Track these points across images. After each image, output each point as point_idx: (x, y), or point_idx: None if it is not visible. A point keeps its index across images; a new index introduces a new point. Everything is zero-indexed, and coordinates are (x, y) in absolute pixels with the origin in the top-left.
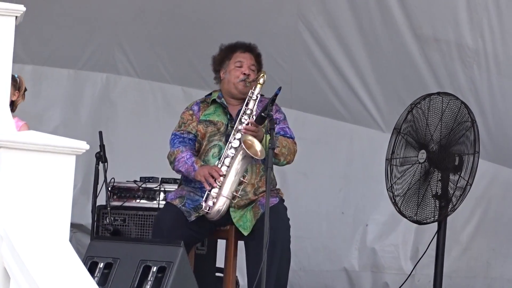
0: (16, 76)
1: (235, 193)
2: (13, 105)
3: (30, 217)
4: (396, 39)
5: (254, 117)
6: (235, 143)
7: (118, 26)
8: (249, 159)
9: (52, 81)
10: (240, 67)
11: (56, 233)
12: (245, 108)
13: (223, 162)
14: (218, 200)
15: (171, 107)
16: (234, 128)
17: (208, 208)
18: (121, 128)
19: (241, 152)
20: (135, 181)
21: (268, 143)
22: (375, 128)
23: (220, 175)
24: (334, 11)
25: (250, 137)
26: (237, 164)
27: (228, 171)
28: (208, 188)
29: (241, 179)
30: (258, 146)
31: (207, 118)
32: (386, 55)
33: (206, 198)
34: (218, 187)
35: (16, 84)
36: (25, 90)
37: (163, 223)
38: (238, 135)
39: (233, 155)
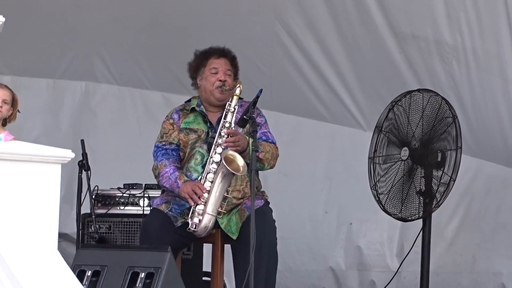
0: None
1: (220, 209)
2: (5, 121)
3: (18, 227)
4: (374, 38)
5: (236, 122)
6: (216, 158)
7: (96, 34)
8: (231, 175)
9: (31, 91)
10: (216, 73)
11: (44, 242)
12: (224, 121)
13: (205, 178)
14: (204, 218)
15: (152, 113)
16: (214, 142)
17: (194, 226)
18: (102, 136)
19: (222, 170)
20: (119, 188)
21: (252, 145)
22: (356, 127)
23: (204, 192)
24: (312, 13)
25: (231, 152)
26: (219, 180)
27: (211, 187)
28: (192, 204)
29: (225, 194)
30: (240, 161)
31: (188, 126)
32: (365, 54)
33: (192, 215)
34: (202, 203)
35: (13, 101)
36: (18, 110)
37: (151, 228)
38: (219, 149)
39: (215, 170)
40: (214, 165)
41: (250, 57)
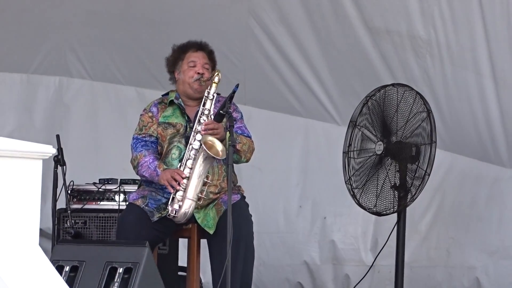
0: None
1: (200, 195)
2: None
3: None
4: (348, 32)
5: (212, 116)
6: (196, 145)
7: (69, 29)
8: (211, 159)
9: (4, 86)
10: (194, 66)
11: (25, 238)
12: (203, 109)
13: (185, 165)
14: (184, 203)
15: (125, 108)
16: (193, 129)
17: (174, 211)
18: (76, 131)
19: (202, 154)
20: (94, 183)
21: (229, 140)
22: (330, 121)
23: (183, 178)
24: (286, 7)
25: (210, 138)
26: (199, 166)
27: (191, 173)
28: (172, 191)
29: (205, 180)
30: (219, 146)
31: (166, 121)
32: (339, 49)
33: (172, 201)
34: (182, 190)
35: None
36: None
37: (127, 224)
38: (198, 136)
39: (194, 156)
40: (194, 152)
41: (223, 51)
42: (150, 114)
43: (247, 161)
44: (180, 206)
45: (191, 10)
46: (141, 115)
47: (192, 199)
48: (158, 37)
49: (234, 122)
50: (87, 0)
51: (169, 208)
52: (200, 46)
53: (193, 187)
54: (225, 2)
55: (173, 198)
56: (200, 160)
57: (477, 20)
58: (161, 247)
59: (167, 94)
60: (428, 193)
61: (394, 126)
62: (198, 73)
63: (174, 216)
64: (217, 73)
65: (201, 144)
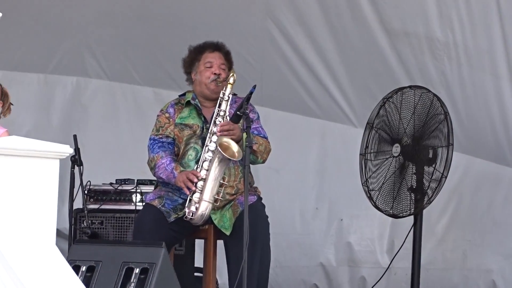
0: (2, 85)
1: (216, 196)
2: None
3: (16, 222)
4: (366, 34)
5: (228, 117)
6: (212, 146)
7: (87, 29)
8: (227, 161)
9: (22, 86)
10: (210, 67)
11: (43, 237)
12: (218, 110)
13: (201, 166)
14: (201, 205)
15: (142, 109)
16: (209, 130)
17: (191, 214)
18: (93, 131)
19: (218, 155)
20: (111, 184)
21: (245, 141)
22: (347, 123)
23: (199, 179)
24: (303, 8)
25: (226, 139)
26: (215, 167)
27: (207, 175)
28: (188, 193)
29: (221, 181)
30: (234, 147)
31: (182, 122)
32: (356, 51)
33: (189, 204)
34: (198, 191)
35: (2, 94)
36: (11, 103)
37: (144, 224)
38: (214, 138)
39: (210, 158)
40: (210, 154)
41: (241, 53)
42: (167, 115)
43: (263, 162)
44: (197, 208)
45: (208, 10)
46: (158, 115)
47: (208, 201)
48: (175, 38)
49: (251, 123)
50: (105, 1)
51: (186, 210)
52: (216, 47)
53: (210, 189)
54: (242, 3)
55: (189, 200)
56: (216, 161)
57: (495, 22)
58: (178, 248)
59: (183, 94)
60: (445, 195)
61: (411, 128)
62: (215, 73)
63: (191, 219)
64: (232, 74)
65: (216, 146)
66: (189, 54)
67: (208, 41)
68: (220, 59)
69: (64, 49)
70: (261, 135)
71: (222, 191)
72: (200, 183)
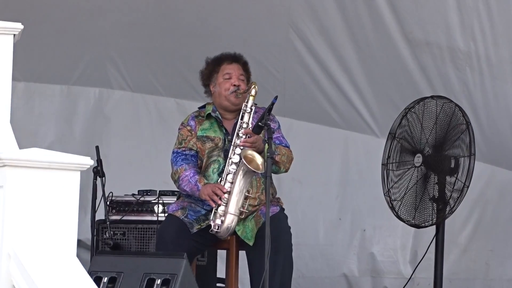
0: None
1: (242, 209)
2: None
3: (38, 234)
4: (387, 44)
5: (251, 128)
6: (235, 159)
7: (109, 40)
8: (251, 173)
9: (45, 97)
10: (229, 78)
11: (63, 249)
12: (241, 122)
13: (225, 179)
14: (226, 218)
15: (165, 119)
16: (233, 143)
17: (217, 227)
18: (116, 142)
19: (242, 168)
20: (133, 195)
21: (267, 152)
22: (369, 133)
23: (224, 192)
24: (325, 19)
25: (250, 151)
26: (240, 180)
27: (232, 188)
28: (214, 206)
29: (246, 194)
30: (259, 159)
31: (204, 134)
32: (378, 61)
33: (214, 216)
34: (224, 204)
35: None
36: None
37: (167, 235)
38: (238, 150)
39: (234, 170)
40: (234, 166)
41: (263, 63)
42: (188, 127)
43: (286, 171)
44: (222, 221)
45: (231, 22)
46: (179, 129)
47: (234, 214)
48: (197, 49)
49: (272, 133)
50: (128, 12)
51: (211, 223)
52: (234, 58)
53: (235, 202)
54: (265, 14)
55: (214, 213)
56: (241, 174)
57: None
58: (200, 259)
59: (203, 107)
60: (467, 205)
61: (433, 138)
62: (234, 85)
63: (217, 232)
64: (254, 85)
65: (240, 158)
66: (207, 66)
67: (226, 52)
68: (239, 70)
69: (86, 61)
70: (283, 144)
71: (247, 204)
72: (225, 196)
